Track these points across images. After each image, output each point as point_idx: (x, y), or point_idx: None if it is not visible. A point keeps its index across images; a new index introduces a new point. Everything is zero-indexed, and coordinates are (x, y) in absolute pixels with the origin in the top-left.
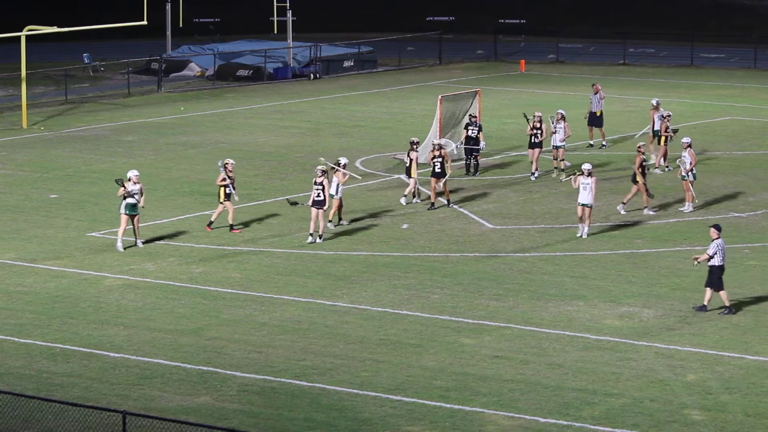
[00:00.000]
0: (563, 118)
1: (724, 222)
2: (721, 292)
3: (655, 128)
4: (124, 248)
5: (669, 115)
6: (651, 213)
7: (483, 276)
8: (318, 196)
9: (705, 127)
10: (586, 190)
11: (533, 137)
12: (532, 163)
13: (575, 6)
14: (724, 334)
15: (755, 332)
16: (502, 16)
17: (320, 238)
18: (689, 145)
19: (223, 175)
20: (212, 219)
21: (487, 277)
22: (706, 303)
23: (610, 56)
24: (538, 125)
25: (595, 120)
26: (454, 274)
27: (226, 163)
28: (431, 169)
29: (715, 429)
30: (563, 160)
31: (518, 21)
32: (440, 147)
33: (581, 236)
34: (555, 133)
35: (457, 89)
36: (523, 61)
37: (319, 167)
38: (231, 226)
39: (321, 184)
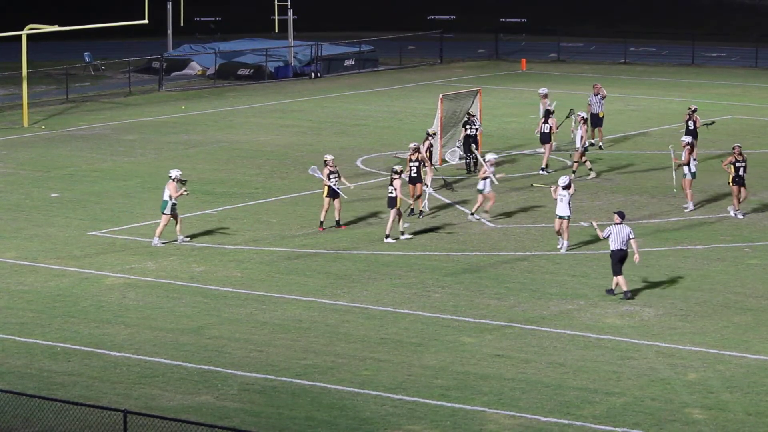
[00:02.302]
0: (585, 121)
1: (725, 221)
2: (619, 278)
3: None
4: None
5: (695, 110)
6: (734, 215)
7: (484, 275)
8: (391, 193)
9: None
10: (563, 202)
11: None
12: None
13: (576, 5)
14: (725, 333)
15: (756, 331)
16: (503, 15)
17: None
18: (687, 144)
19: (328, 171)
20: (338, 219)
21: (488, 276)
22: (613, 287)
23: (611, 55)
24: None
25: (597, 120)
26: (455, 273)
27: (326, 160)
28: (407, 174)
29: (716, 428)
30: (586, 161)
31: (519, 20)
32: (417, 150)
33: (561, 249)
34: (573, 132)
35: (458, 88)
36: (524, 60)
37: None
38: (338, 222)
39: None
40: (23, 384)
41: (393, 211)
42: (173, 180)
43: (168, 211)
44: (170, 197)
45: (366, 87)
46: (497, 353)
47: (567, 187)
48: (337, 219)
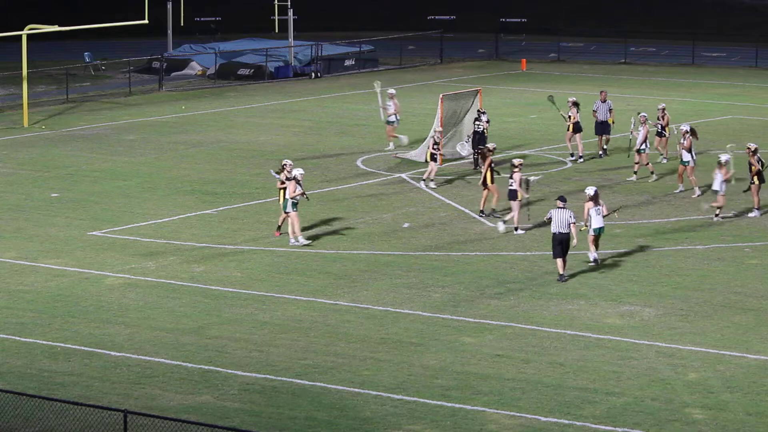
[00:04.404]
0: (647, 121)
1: (725, 221)
2: (558, 260)
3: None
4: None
5: (663, 108)
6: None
7: (484, 275)
8: (511, 186)
9: (706, 125)
10: (598, 215)
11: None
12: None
13: (576, 5)
14: (726, 333)
15: (756, 331)
16: (504, 14)
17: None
18: (687, 132)
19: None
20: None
21: (488, 276)
22: (561, 272)
23: (611, 55)
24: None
25: (604, 128)
26: (456, 272)
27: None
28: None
29: (716, 428)
30: (648, 163)
31: (519, 20)
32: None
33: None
34: (633, 134)
35: (458, 88)
36: (524, 60)
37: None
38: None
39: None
40: (23, 384)
41: (515, 203)
42: (294, 179)
43: (289, 209)
44: (289, 196)
45: (366, 87)
46: (497, 353)
47: (594, 198)
48: (279, 225)
